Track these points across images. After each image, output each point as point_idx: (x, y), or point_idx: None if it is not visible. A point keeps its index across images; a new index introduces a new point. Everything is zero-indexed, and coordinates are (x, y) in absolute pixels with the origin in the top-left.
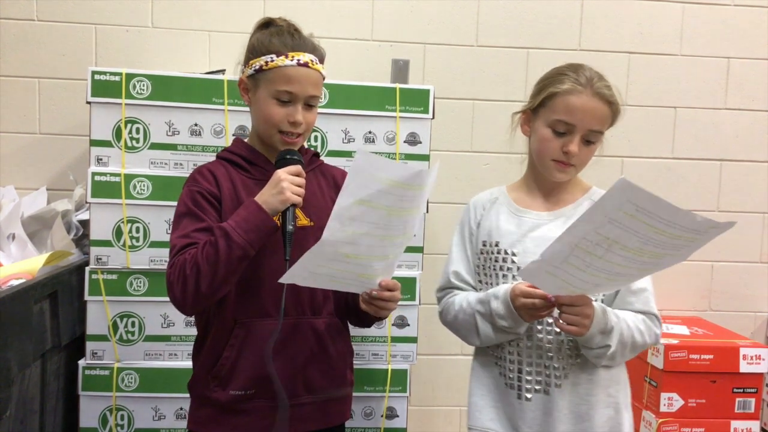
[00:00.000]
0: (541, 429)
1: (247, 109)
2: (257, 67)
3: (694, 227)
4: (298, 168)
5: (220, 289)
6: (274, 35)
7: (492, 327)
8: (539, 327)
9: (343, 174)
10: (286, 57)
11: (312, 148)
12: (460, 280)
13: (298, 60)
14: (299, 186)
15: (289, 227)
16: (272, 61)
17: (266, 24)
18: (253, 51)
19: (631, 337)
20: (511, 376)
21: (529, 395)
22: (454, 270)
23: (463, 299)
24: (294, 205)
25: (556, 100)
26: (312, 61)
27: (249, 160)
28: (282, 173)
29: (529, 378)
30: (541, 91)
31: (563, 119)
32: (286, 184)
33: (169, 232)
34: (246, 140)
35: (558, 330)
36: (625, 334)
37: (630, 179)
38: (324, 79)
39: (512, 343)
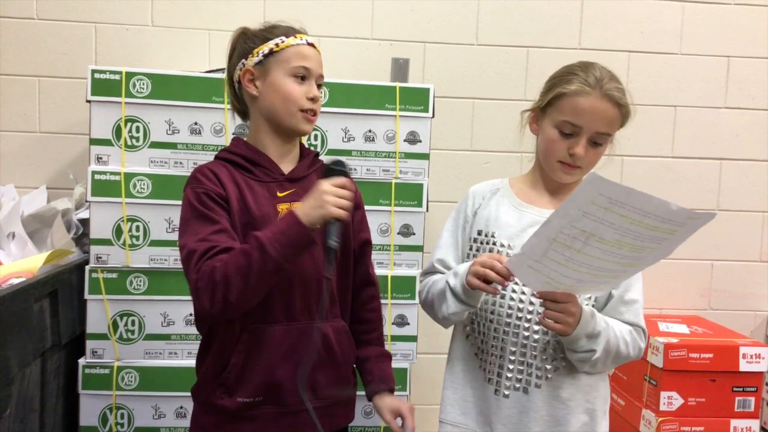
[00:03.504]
0: (515, 428)
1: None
2: (266, 52)
3: (670, 216)
4: (343, 180)
5: (250, 300)
6: (268, 27)
7: (454, 298)
8: (526, 324)
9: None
10: (295, 37)
11: (312, 148)
12: (443, 266)
13: (307, 40)
14: (344, 199)
15: (332, 243)
16: (283, 41)
17: (245, 32)
18: (253, 41)
19: (617, 347)
20: (491, 370)
21: (507, 392)
22: (439, 257)
23: (438, 278)
24: (339, 220)
25: (563, 101)
26: (315, 43)
27: (252, 160)
28: (326, 185)
29: (509, 375)
30: (549, 90)
31: (570, 120)
32: (329, 197)
33: (170, 230)
34: (245, 139)
35: (545, 330)
36: (611, 342)
37: (598, 173)
38: None
39: (497, 338)
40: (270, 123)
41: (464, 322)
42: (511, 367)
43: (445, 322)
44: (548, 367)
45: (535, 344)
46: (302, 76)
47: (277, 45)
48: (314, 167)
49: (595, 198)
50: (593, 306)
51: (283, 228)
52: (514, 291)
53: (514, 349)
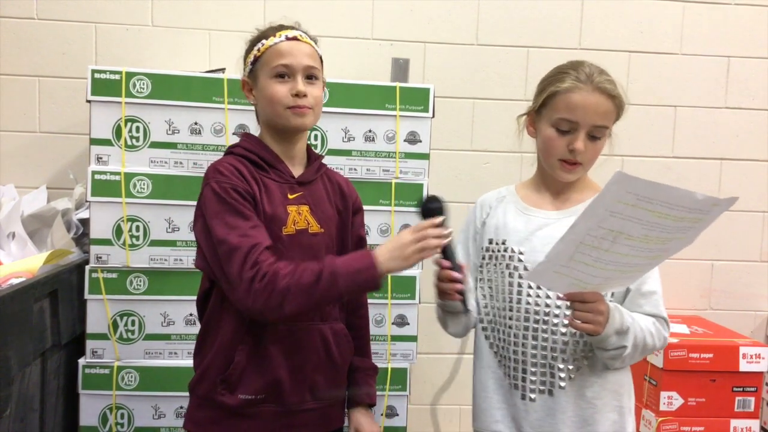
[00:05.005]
0: (544, 431)
1: (248, 107)
2: (252, 60)
3: (697, 206)
4: (431, 222)
5: (301, 314)
6: (261, 32)
7: (441, 311)
8: (545, 327)
9: (347, 182)
10: (275, 36)
11: (312, 148)
12: None
13: (286, 35)
14: (430, 238)
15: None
16: (263, 44)
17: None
18: (247, 50)
19: (644, 340)
20: (515, 375)
21: (533, 396)
22: None
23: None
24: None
25: (557, 99)
26: (300, 35)
27: (266, 160)
28: (407, 236)
29: (533, 378)
30: (542, 91)
31: (566, 117)
32: (410, 249)
33: (170, 230)
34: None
35: (563, 331)
36: (638, 336)
37: (626, 171)
38: (321, 59)
39: (517, 343)
40: (268, 128)
41: (485, 330)
42: (533, 370)
43: (458, 336)
44: (570, 367)
45: (554, 345)
46: (284, 74)
47: (258, 50)
48: (319, 172)
49: (623, 197)
50: (611, 301)
51: (359, 267)
52: (529, 295)
53: (534, 352)
